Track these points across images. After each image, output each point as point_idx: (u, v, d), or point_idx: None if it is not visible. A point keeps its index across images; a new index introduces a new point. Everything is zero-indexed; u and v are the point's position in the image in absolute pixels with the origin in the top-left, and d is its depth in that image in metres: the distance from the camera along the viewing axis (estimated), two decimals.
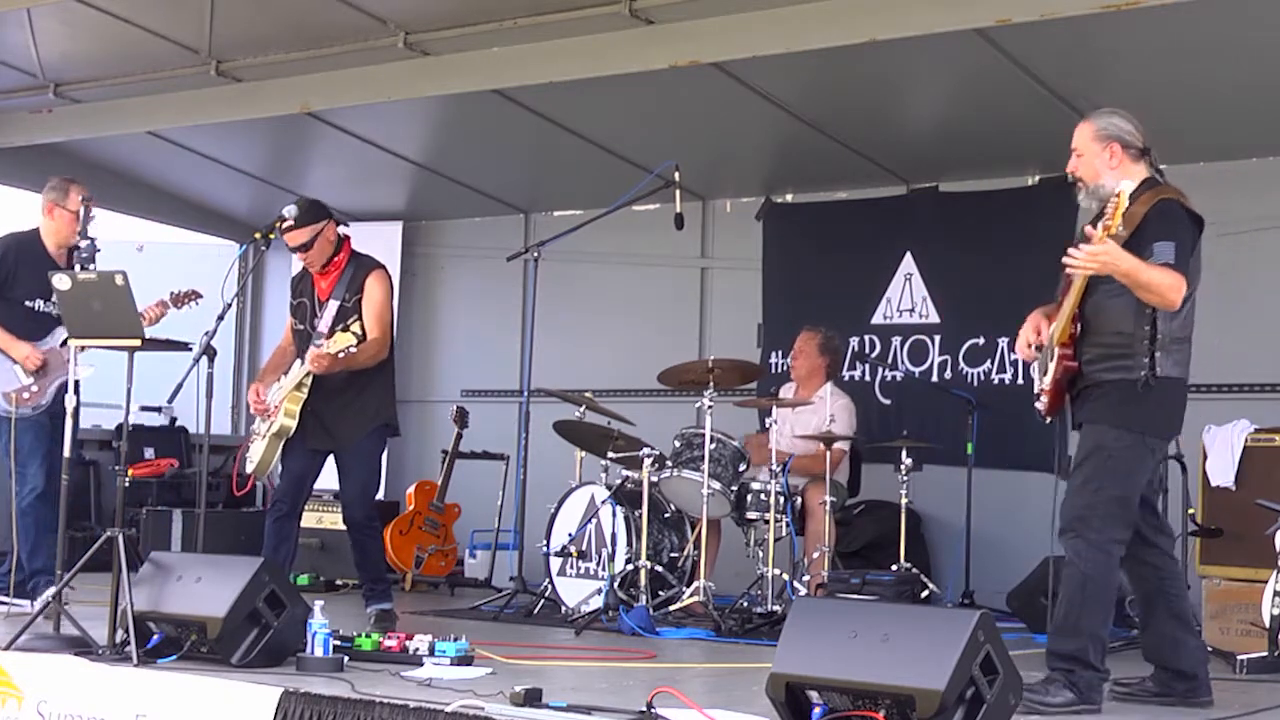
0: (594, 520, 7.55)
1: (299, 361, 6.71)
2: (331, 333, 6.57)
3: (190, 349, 6.22)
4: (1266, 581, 6.02)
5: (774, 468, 7.25)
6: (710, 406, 7.34)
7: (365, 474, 6.81)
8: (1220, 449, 6.86)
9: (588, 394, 8.01)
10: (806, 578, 7.31)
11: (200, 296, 7.13)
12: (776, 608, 7.04)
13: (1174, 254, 4.79)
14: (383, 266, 6.89)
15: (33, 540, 6.98)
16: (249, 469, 6.77)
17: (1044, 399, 5.10)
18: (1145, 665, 5.24)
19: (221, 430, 10.89)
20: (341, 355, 6.38)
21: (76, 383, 5.97)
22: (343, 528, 7.05)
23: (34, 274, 7.10)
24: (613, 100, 7.94)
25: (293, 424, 6.63)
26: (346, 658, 5.18)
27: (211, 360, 6.18)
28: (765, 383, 8.79)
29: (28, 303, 7.20)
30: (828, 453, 7.35)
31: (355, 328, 6.39)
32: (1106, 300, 4.94)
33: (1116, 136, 5.05)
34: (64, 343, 7.10)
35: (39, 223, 7.31)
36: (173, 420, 10.27)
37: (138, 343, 5.71)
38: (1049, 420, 5.16)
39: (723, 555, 7.82)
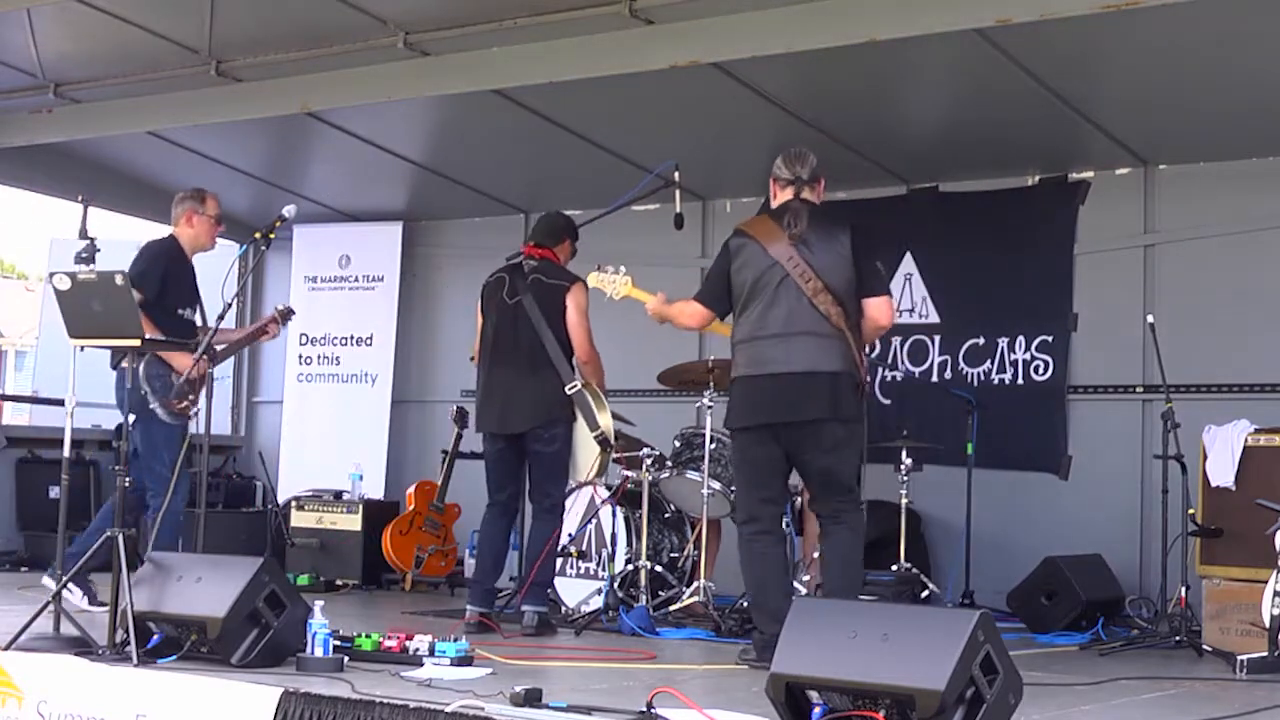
0: (594, 520, 7.55)
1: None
2: None
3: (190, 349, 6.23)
4: (1266, 581, 6.01)
5: None
6: (710, 406, 7.34)
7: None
8: (1220, 449, 6.86)
9: None
10: (806, 577, 7.30)
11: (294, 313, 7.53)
12: None
13: (702, 286, 6.01)
14: None
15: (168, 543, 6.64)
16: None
17: None
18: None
19: (221, 430, 10.88)
20: None
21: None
22: (342, 528, 7.03)
23: (182, 282, 7.16)
24: (613, 100, 7.93)
25: None
26: (346, 658, 5.18)
27: (212, 360, 6.17)
28: None
29: (180, 311, 7.14)
30: None
31: None
32: None
33: (773, 173, 5.90)
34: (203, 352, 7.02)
35: (174, 232, 7.33)
36: None
37: (138, 343, 5.70)
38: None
39: (723, 555, 7.81)
